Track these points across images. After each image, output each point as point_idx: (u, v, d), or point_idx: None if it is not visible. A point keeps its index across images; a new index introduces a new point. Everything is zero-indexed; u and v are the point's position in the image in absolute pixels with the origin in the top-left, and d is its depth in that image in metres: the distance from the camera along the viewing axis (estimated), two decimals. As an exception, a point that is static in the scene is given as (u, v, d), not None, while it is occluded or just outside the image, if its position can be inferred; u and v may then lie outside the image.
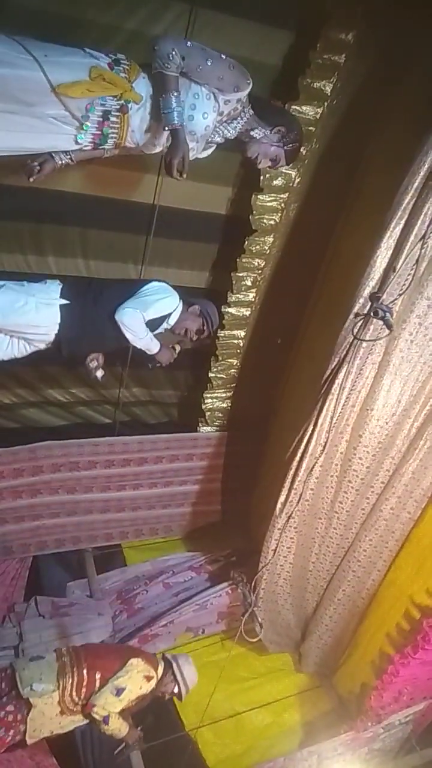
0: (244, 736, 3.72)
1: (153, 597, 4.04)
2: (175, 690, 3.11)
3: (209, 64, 2.04)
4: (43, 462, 3.93)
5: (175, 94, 2.01)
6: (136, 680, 2.93)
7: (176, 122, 2.04)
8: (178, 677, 3.11)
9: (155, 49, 1.98)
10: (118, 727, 2.86)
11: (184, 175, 2.13)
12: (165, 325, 2.99)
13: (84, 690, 2.86)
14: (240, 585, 3.88)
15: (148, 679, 2.99)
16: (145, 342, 2.88)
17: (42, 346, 2.85)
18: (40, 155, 2.23)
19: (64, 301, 2.75)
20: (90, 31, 2.56)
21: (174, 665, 3.13)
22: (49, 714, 2.80)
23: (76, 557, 4.39)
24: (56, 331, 2.76)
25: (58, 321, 2.73)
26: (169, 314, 2.97)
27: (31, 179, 2.23)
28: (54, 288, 2.78)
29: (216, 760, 3.56)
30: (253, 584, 3.70)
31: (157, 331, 2.97)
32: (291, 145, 2.35)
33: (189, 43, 2.06)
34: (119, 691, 2.85)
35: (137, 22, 2.62)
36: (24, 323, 2.71)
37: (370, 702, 3.44)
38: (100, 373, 3.08)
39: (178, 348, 3.08)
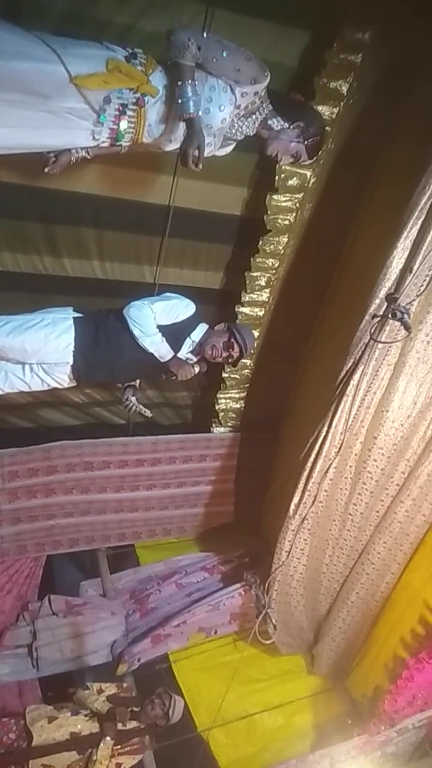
0: (256, 737, 3.71)
1: (166, 597, 4.04)
2: (160, 721, 3.24)
3: (225, 55, 2.01)
4: (58, 462, 3.95)
5: (191, 83, 1.99)
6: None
7: (192, 111, 2.02)
8: (169, 710, 3.23)
9: (170, 38, 1.96)
10: (100, 707, 3.18)
11: (200, 166, 2.10)
12: (189, 341, 2.87)
13: None
14: (254, 587, 3.87)
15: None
16: (155, 343, 2.73)
17: (62, 374, 2.76)
18: None
19: (78, 315, 2.76)
20: (106, 30, 2.56)
21: (170, 699, 3.28)
22: None
23: (89, 556, 4.41)
24: (73, 347, 2.68)
25: (74, 334, 2.69)
26: (189, 324, 2.86)
27: (46, 169, 2.23)
28: (68, 308, 2.81)
29: (228, 762, 3.55)
30: (266, 586, 3.69)
31: (184, 350, 2.87)
32: (312, 139, 2.30)
33: (205, 33, 2.05)
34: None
35: (153, 22, 2.62)
36: (42, 338, 2.66)
37: (384, 706, 3.41)
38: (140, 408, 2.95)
39: (197, 368, 2.90)
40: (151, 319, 2.70)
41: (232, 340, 2.87)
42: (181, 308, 2.84)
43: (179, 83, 1.99)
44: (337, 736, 3.60)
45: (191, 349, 2.90)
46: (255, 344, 3.50)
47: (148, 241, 3.46)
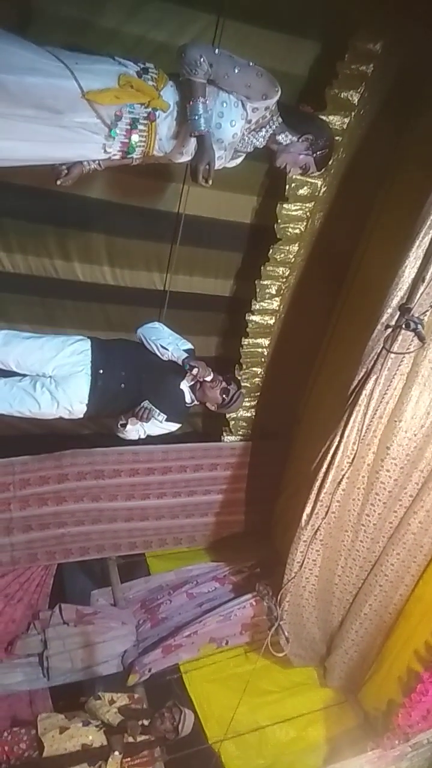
0: (267, 750, 3.65)
1: (177, 607, 4.02)
2: (169, 735, 3.22)
3: (237, 71, 2.02)
4: (69, 470, 3.96)
5: (202, 100, 2.00)
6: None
7: (203, 129, 2.03)
8: (179, 725, 3.21)
9: (182, 55, 1.97)
10: (111, 719, 3.15)
11: (210, 182, 2.12)
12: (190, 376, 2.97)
13: None
14: (265, 598, 3.84)
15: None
16: (171, 343, 2.87)
17: (75, 388, 2.79)
18: None
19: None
20: (118, 42, 2.59)
21: (180, 713, 3.25)
22: None
23: (99, 565, 4.39)
24: (89, 352, 2.81)
25: (90, 343, 2.85)
26: (190, 351, 2.98)
27: (59, 182, 2.26)
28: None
29: (239, 775, 3.51)
30: (278, 598, 3.66)
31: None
32: (321, 152, 2.30)
33: (216, 50, 2.05)
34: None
35: (164, 33, 2.64)
36: (60, 342, 2.80)
37: (398, 720, 3.36)
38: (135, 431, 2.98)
39: (211, 374, 2.95)
40: (161, 330, 2.97)
41: (228, 386, 3.01)
42: (182, 340, 3.03)
43: (191, 100, 2.00)
44: (350, 750, 3.55)
45: (189, 384, 3.00)
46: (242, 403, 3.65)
47: (159, 248, 3.48)
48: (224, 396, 2.97)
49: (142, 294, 3.65)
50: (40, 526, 4.02)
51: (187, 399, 3.00)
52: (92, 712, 3.23)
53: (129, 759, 3.06)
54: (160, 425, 2.95)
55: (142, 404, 2.82)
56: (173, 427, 3.03)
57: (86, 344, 2.84)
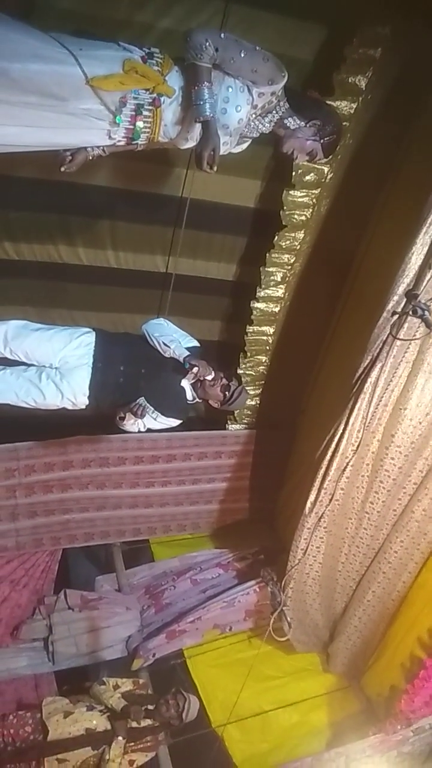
0: (270, 734, 3.69)
1: (181, 593, 4.05)
2: (174, 722, 3.25)
3: (243, 55, 1.99)
4: (74, 457, 3.97)
5: (207, 85, 1.97)
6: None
7: (208, 114, 2.00)
8: (183, 712, 3.25)
9: (188, 40, 1.95)
10: (115, 704, 3.18)
11: (215, 168, 2.09)
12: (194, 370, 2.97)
13: None
14: (270, 584, 3.86)
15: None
16: (174, 341, 2.90)
17: (78, 380, 2.82)
18: None
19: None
20: (124, 29, 2.56)
21: (185, 701, 3.28)
22: None
23: (104, 551, 4.43)
24: (93, 346, 2.83)
25: (95, 335, 2.87)
26: (195, 349, 3.00)
27: (63, 168, 2.24)
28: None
29: (242, 758, 3.54)
30: (282, 584, 3.68)
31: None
32: (328, 138, 2.26)
33: (222, 34, 2.02)
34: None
35: (172, 20, 2.62)
36: (67, 335, 2.83)
37: (400, 705, 3.38)
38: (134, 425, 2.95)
39: (212, 373, 2.96)
40: (165, 326, 3.00)
41: (229, 382, 3.00)
42: (187, 337, 3.06)
43: (195, 85, 1.97)
44: (352, 735, 3.58)
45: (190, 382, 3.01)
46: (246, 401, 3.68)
47: (162, 231, 3.47)
48: (226, 393, 2.98)
49: (145, 277, 3.65)
50: (45, 512, 4.05)
51: (189, 396, 3.01)
52: (96, 697, 3.26)
53: (132, 744, 3.08)
54: (158, 421, 2.97)
55: (137, 401, 2.84)
56: (174, 422, 3.05)
57: (91, 337, 2.87)
